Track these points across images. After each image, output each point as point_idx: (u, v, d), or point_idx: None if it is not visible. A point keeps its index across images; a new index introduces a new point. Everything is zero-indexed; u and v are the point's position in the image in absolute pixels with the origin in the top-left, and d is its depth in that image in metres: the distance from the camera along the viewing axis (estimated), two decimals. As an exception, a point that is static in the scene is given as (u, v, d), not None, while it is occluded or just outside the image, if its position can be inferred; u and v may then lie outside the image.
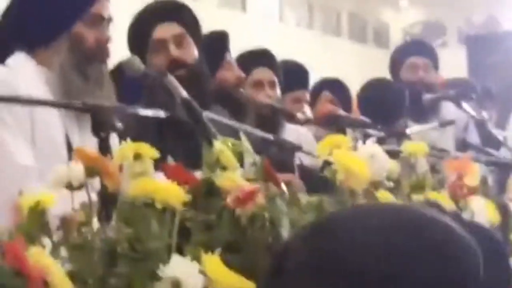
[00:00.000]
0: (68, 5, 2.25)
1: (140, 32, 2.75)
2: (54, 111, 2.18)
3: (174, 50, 2.71)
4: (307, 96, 4.07)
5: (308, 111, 3.98)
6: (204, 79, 2.78)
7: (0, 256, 1.26)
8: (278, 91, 3.55)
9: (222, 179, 1.66)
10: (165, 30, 2.74)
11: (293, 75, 3.82)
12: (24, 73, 2.22)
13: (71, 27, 2.26)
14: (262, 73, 3.52)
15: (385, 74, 4.65)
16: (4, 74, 2.20)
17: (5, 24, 2.34)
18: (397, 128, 3.52)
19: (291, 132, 3.43)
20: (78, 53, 2.27)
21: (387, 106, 3.91)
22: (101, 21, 2.30)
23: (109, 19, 2.33)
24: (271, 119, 3.33)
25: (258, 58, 3.59)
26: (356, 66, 21.83)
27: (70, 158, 2.17)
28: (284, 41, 20.07)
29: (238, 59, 3.56)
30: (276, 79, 3.54)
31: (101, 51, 2.31)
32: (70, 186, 1.44)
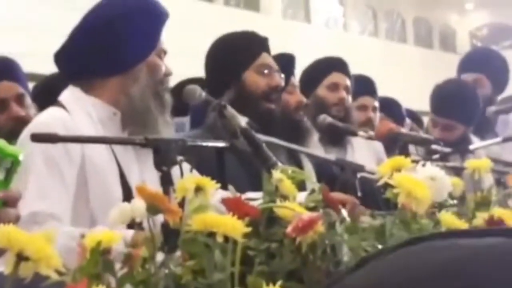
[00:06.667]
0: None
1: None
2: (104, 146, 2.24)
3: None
4: (375, 103, 4.08)
5: (376, 118, 3.99)
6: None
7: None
8: (350, 97, 3.67)
9: (282, 209, 1.68)
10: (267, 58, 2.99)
11: (358, 82, 3.84)
12: (79, 110, 2.29)
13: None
14: (338, 77, 3.65)
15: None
16: (62, 115, 2.26)
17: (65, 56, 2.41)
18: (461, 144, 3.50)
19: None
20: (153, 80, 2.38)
21: (465, 103, 3.88)
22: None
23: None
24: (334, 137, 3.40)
25: (335, 63, 3.73)
26: (423, 71, 21.65)
27: (125, 191, 2.23)
28: (349, 50, 20.00)
29: (315, 64, 3.71)
30: (349, 86, 3.67)
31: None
32: (133, 223, 1.48)
